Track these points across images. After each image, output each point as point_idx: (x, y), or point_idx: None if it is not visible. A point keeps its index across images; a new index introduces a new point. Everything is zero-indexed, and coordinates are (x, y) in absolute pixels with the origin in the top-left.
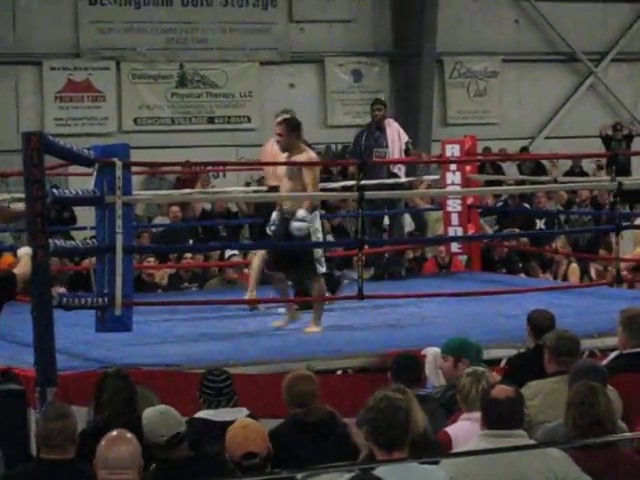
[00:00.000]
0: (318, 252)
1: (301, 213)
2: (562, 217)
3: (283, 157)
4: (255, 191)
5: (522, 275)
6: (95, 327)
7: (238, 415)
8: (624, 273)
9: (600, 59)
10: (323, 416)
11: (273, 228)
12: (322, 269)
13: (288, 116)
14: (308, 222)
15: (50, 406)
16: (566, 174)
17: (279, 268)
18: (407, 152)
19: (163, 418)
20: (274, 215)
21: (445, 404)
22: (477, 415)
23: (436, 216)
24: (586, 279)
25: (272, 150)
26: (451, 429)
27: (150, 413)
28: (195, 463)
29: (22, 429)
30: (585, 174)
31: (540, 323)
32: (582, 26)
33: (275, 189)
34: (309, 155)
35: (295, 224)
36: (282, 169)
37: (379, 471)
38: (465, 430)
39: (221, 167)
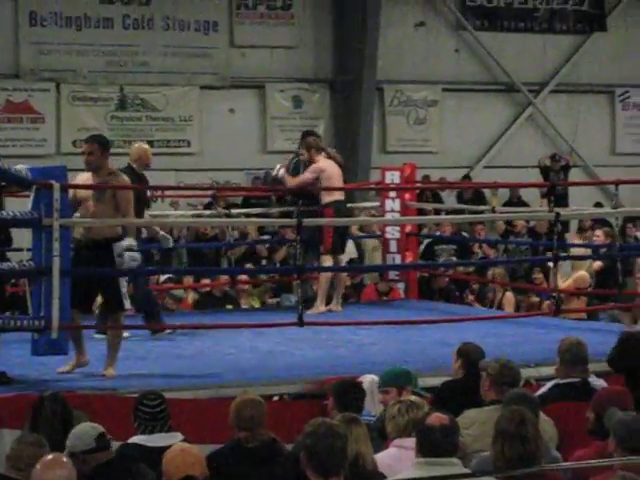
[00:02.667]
0: (124, 286)
1: (130, 242)
2: (501, 246)
3: (85, 178)
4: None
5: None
6: (31, 350)
7: (172, 440)
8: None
9: (539, 90)
10: (264, 442)
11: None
12: (127, 305)
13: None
14: (137, 248)
15: (29, 433)
16: (505, 204)
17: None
18: None
19: (84, 426)
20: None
21: (380, 431)
22: (408, 442)
23: (373, 244)
24: (523, 309)
25: None
26: (379, 456)
27: (75, 429)
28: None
29: None
30: (524, 204)
31: (470, 355)
32: (522, 57)
33: None
34: (123, 178)
35: (128, 254)
36: (87, 191)
37: None
38: (392, 457)
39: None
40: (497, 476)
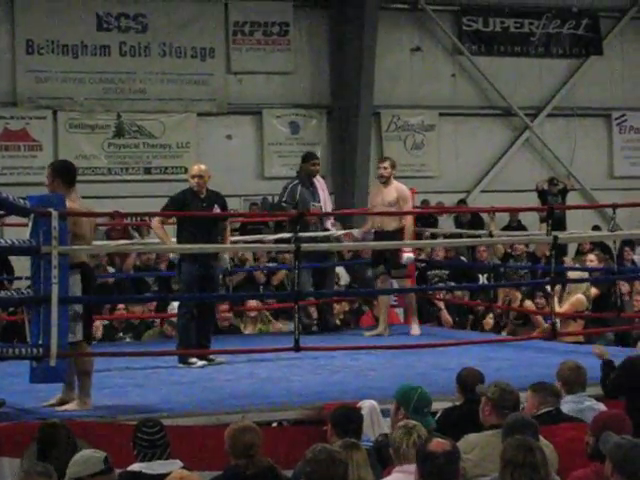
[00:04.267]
0: (74, 314)
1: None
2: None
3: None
4: None
5: None
6: (29, 378)
7: (172, 468)
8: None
9: (536, 114)
10: (263, 468)
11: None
12: (74, 337)
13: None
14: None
15: (37, 463)
16: (504, 228)
17: None
18: None
19: (86, 452)
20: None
21: (378, 457)
22: (410, 468)
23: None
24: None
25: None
26: None
27: (78, 456)
28: None
29: None
30: (523, 228)
31: (469, 381)
32: (518, 81)
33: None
34: (71, 205)
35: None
36: None
37: None
38: None
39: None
40: None
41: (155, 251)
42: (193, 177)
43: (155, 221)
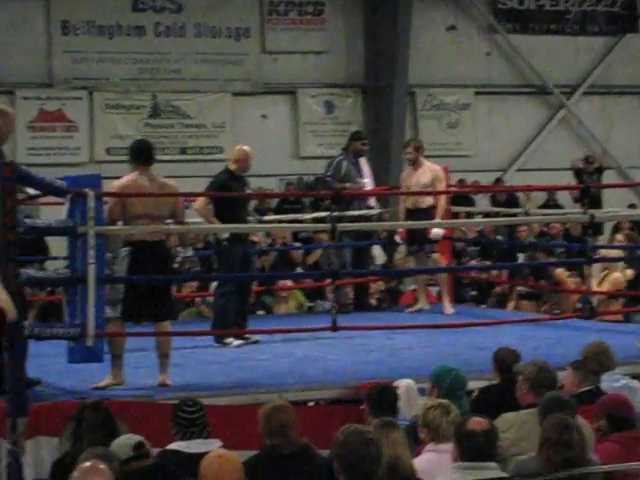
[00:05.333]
0: (117, 291)
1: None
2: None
3: None
4: None
5: None
6: (67, 358)
7: (211, 447)
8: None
9: (572, 92)
10: (299, 448)
11: None
12: (111, 312)
13: None
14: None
15: (97, 447)
16: (541, 207)
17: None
18: None
19: (122, 437)
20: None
21: (414, 436)
22: (444, 447)
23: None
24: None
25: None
26: (417, 461)
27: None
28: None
29: None
30: (560, 207)
31: (506, 360)
32: (554, 59)
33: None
34: (129, 182)
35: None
36: None
37: None
38: (431, 462)
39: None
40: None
41: (194, 231)
42: (247, 161)
43: (200, 202)
